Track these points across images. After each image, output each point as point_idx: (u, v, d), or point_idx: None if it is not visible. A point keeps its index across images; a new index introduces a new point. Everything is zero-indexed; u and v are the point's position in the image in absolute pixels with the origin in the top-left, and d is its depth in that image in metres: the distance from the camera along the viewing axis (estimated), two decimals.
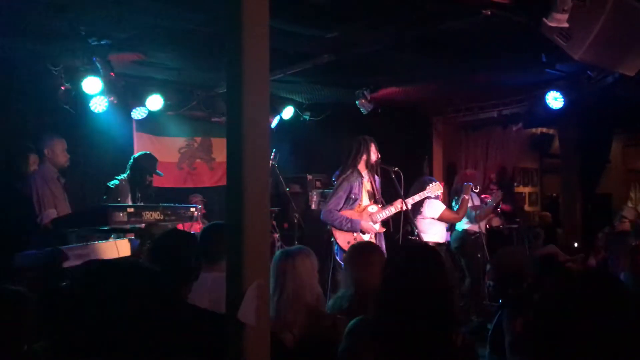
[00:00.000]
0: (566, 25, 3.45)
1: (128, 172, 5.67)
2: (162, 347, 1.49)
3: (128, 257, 3.72)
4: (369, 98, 7.25)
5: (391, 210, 5.13)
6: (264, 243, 2.12)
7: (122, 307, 1.42)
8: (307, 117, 8.22)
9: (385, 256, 3.29)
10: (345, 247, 4.90)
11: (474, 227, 6.94)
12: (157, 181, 6.71)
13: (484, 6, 3.95)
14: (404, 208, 5.09)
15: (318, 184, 7.81)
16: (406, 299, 2.04)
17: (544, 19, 3.52)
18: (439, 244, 6.19)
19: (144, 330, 1.43)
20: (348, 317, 2.61)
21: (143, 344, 1.42)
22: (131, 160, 5.76)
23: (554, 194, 11.42)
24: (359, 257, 3.24)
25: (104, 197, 5.43)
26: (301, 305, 2.74)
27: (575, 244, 8.75)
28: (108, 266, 1.59)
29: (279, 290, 2.78)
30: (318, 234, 7.11)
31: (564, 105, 7.06)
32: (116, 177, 5.60)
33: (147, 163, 5.73)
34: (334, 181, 7.24)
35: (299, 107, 8.08)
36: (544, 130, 10.70)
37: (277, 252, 3.01)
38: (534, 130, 10.33)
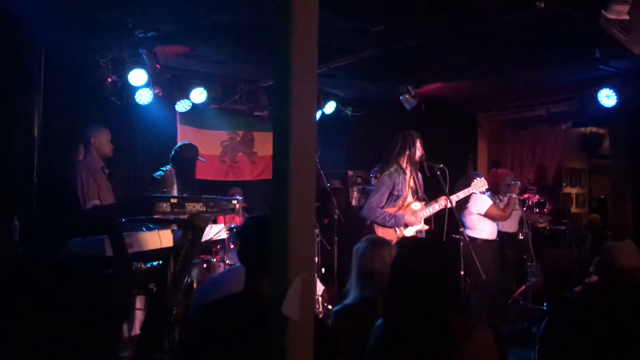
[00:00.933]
0: (627, 17, 3.28)
1: (171, 164, 5.71)
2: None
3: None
4: (413, 93, 7.13)
5: (435, 207, 5.01)
6: (310, 237, 2.08)
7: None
8: (349, 112, 8.14)
9: None
10: None
11: (507, 227, 6.80)
12: (199, 174, 6.76)
13: None
14: (449, 205, 4.97)
15: (359, 180, 7.74)
16: (407, 293, 2.03)
17: (603, 11, 3.35)
18: (487, 241, 6.05)
19: None
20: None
21: None
22: (172, 153, 5.81)
23: (602, 196, 11.05)
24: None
25: (150, 187, 5.49)
26: None
27: None
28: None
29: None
30: (358, 230, 7.03)
31: (617, 103, 6.80)
32: (161, 168, 5.66)
33: (189, 153, 5.79)
34: (371, 177, 7.17)
35: (341, 101, 8.01)
36: (594, 129, 10.34)
37: (373, 239, 2.97)
38: (582, 129, 9.99)
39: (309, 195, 2.05)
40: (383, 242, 3.01)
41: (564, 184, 9.55)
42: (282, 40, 2.10)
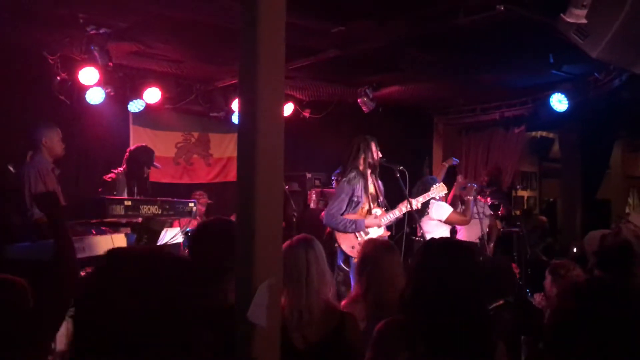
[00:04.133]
0: (584, 21, 3.34)
1: (124, 165, 5.53)
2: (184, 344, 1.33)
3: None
4: (371, 96, 7.14)
5: (396, 213, 4.96)
6: (277, 240, 2.00)
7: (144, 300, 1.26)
8: (307, 115, 8.08)
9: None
10: (349, 251, 4.75)
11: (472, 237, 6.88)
12: (154, 176, 6.56)
13: (499, 1, 3.83)
14: (409, 209, 4.94)
15: (317, 182, 7.69)
16: (441, 298, 1.91)
17: (562, 15, 3.40)
18: None
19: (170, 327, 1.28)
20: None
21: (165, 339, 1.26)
22: (127, 154, 5.62)
23: (551, 199, 11.35)
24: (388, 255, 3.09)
25: (100, 190, 5.29)
26: (321, 302, 2.58)
27: (575, 249, 8.66)
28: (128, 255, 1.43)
29: (302, 283, 2.58)
30: (316, 233, 6.97)
31: (568, 108, 6.98)
32: (112, 170, 5.47)
33: (144, 155, 5.60)
34: (333, 180, 7.12)
35: (299, 103, 7.95)
36: (544, 133, 10.63)
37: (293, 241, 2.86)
38: (533, 133, 10.25)
39: (276, 197, 1.97)
40: (315, 240, 2.93)
41: (518, 187, 9.74)
42: (249, 38, 2.02)
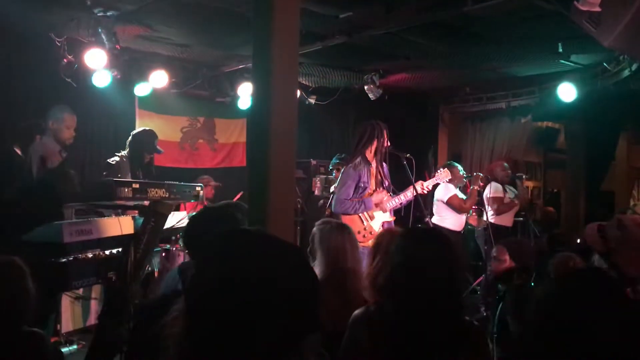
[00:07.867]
0: (598, 9, 3.30)
1: (127, 149, 5.53)
2: None
3: None
4: (377, 83, 7.11)
5: (401, 197, 4.97)
6: (289, 223, 2.01)
7: None
8: (313, 102, 8.04)
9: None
10: (356, 236, 4.76)
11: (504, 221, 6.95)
12: (158, 160, 6.55)
13: None
14: (415, 194, 4.94)
15: (322, 169, 7.67)
16: (413, 286, 1.92)
17: (575, 2, 3.37)
18: (451, 232, 6.12)
19: None
20: None
21: None
22: (130, 137, 5.62)
23: (555, 189, 11.32)
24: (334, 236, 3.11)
25: (104, 173, 5.29)
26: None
27: (578, 240, 8.65)
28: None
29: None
30: (319, 219, 6.99)
31: (575, 98, 6.94)
32: (116, 154, 5.47)
33: (146, 140, 5.59)
34: (330, 169, 7.13)
35: (304, 90, 7.91)
36: (549, 124, 10.58)
37: (325, 225, 2.91)
38: (539, 123, 10.20)
39: (289, 185, 1.97)
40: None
41: (524, 177, 9.72)
42: (262, 22, 2.01)
